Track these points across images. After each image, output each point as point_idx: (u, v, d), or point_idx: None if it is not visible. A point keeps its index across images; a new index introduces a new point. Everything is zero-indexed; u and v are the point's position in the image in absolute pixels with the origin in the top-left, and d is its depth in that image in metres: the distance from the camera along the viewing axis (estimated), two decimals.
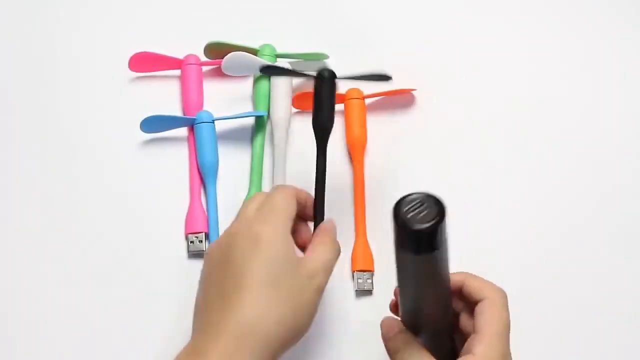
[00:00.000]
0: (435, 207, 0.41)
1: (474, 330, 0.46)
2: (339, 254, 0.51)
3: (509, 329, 0.46)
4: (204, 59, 0.72)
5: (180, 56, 0.72)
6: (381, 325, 0.49)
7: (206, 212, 0.67)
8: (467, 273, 0.49)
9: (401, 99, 0.72)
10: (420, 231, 0.40)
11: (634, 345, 0.63)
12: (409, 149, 0.70)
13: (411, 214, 0.41)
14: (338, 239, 0.54)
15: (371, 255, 0.65)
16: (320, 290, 0.47)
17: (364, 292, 0.64)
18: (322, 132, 0.56)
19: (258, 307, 0.44)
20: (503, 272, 0.65)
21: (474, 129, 0.71)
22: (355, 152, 0.69)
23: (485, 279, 0.49)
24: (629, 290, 0.65)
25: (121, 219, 0.67)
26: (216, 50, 0.71)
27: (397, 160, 0.69)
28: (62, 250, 0.66)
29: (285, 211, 0.49)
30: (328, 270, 0.49)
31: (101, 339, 0.64)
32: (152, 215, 0.67)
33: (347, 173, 0.69)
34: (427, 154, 0.70)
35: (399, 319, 0.49)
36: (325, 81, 0.55)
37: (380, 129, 0.70)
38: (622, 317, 0.64)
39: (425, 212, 0.41)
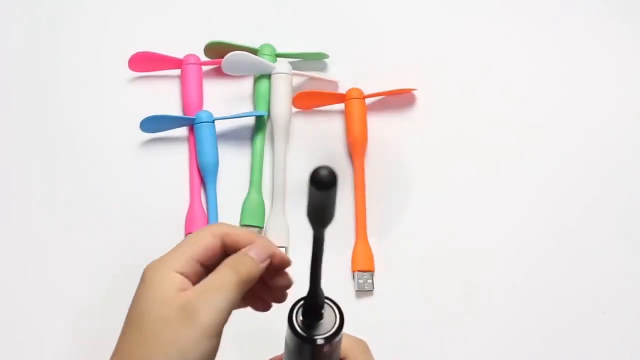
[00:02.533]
0: (334, 315, 0.40)
1: None
2: (242, 284, 0.40)
3: None
4: (204, 58, 0.72)
5: (180, 56, 0.72)
6: None
7: (206, 212, 0.67)
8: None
9: (401, 99, 0.72)
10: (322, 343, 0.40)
11: (634, 344, 0.63)
12: (409, 149, 0.70)
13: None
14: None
15: (371, 256, 0.65)
16: (205, 329, 0.38)
17: (364, 292, 0.64)
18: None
19: (124, 352, 0.40)
20: (503, 272, 0.66)
21: (474, 128, 0.71)
22: (355, 152, 0.69)
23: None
24: (630, 290, 0.65)
25: (121, 218, 0.67)
26: (216, 50, 0.71)
27: (397, 160, 0.69)
28: (61, 249, 0.66)
29: (187, 246, 0.42)
30: (213, 305, 0.39)
31: (99, 338, 0.63)
32: (152, 215, 0.67)
33: (347, 173, 0.69)
34: (427, 153, 0.70)
35: None
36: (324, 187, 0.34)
37: (380, 129, 0.70)
38: (622, 317, 0.64)
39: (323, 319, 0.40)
